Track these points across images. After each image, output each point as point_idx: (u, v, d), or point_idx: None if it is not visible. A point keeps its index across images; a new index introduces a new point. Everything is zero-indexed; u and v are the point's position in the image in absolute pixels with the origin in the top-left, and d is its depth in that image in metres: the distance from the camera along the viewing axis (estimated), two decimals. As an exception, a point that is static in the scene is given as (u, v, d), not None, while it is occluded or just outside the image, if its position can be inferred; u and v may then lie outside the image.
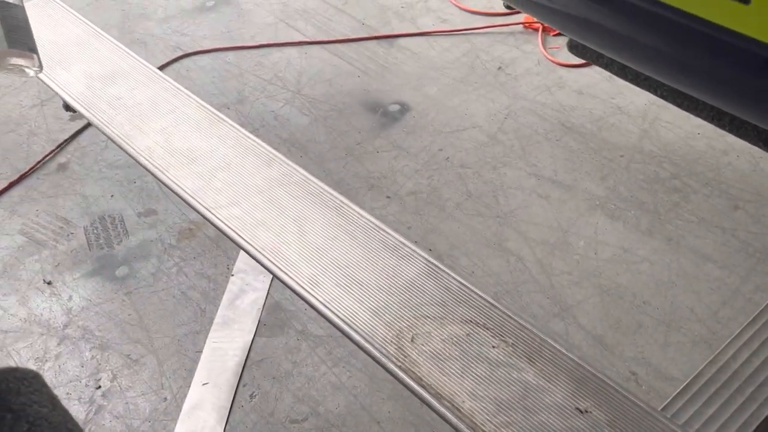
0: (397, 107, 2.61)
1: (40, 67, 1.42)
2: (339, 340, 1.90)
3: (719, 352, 1.28)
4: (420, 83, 2.70)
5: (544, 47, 2.77)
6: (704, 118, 1.27)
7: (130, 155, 1.72)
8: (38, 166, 2.50)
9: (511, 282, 1.99)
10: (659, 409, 1.18)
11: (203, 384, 1.82)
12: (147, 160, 1.65)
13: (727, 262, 1.98)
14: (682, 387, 1.24)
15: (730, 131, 1.24)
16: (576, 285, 1.97)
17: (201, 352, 1.90)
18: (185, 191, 1.53)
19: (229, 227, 1.43)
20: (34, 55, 1.40)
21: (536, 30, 2.85)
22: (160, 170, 1.60)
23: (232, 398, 1.80)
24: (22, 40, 1.37)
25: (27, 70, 1.40)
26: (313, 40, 2.98)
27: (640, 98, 2.51)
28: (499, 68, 2.73)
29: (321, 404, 1.77)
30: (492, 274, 2.01)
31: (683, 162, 2.27)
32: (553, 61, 2.71)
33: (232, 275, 2.08)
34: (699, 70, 1.11)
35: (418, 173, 2.35)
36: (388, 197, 2.27)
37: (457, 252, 2.08)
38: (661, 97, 1.30)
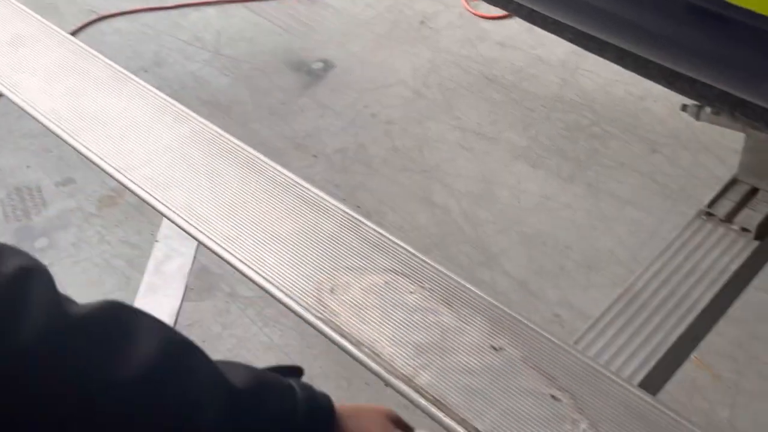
0: (320, 65, 2.58)
1: None
2: (268, 301, 1.88)
3: (628, 285, 1.33)
4: (343, 40, 2.67)
5: (466, 0, 2.77)
6: (609, 59, 1.29)
7: (37, 120, 1.65)
8: (-54, 139, 2.39)
9: (439, 234, 2.01)
10: (572, 343, 1.21)
11: (130, 351, 1.79)
12: (55, 124, 1.58)
13: (646, 204, 2.04)
14: (593, 321, 1.28)
15: (634, 71, 1.27)
16: (500, 233, 2.00)
17: (127, 319, 1.87)
18: (95, 154, 1.48)
19: (142, 188, 1.40)
20: None
21: (458, -17, 2.84)
22: (68, 134, 1.54)
23: (160, 364, 1.78)
24: None
25: None
26: (233, -1, 2.90)
27: (560, 48, 2.53)
28: (422, 22, 2.72)
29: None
30: (420, 228, 2.03)
31: (602, 109, 2.31)
32: (474, 14, 2.72)
33: (157, 241, 2.04)
34: (594, 8, 1.13)
35: (344, 131, 2.33)
36: (314, 156, 2.26)
37: (385, 207, 2.09)
38: (569, 40, 1.31)
